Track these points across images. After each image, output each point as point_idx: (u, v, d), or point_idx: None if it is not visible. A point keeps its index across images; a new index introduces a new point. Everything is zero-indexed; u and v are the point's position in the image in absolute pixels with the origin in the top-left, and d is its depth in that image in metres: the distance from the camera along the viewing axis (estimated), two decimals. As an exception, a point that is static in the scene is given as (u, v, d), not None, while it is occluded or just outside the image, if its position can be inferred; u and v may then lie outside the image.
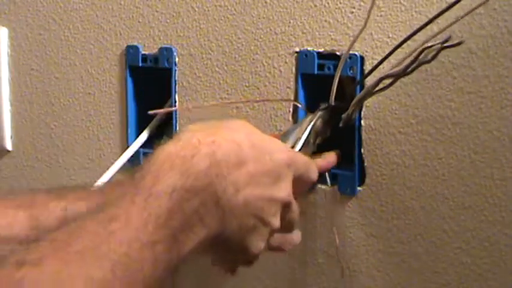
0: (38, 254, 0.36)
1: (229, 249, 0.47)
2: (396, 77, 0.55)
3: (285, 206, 0.50)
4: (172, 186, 0.42)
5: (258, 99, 0.69)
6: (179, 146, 0.45)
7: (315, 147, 0.62)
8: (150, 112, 0.62)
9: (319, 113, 0.61)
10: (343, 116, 0.60)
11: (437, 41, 0.50)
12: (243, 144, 0.46)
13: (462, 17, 0.51)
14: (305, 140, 0.59)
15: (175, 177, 0.42)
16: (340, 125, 0.61)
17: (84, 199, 0.54)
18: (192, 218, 0.42)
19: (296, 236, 0.57)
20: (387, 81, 0.56)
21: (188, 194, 0.42)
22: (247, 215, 0.46)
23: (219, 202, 0.44)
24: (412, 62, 0.53)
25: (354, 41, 0.58)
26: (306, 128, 0.59)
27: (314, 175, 0.54)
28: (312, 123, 0.60)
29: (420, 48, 0.51)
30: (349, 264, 0.66)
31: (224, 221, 0.44)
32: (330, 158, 0.62)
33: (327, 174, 0.64)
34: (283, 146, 0.53)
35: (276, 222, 0.49)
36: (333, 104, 0.60)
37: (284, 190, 0.49)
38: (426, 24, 0.52)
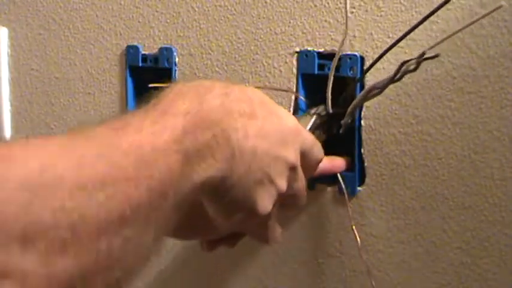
0: (40, 137, 0.35)
1: (235, 200, 0.46)
2: (383, 87, 0.56)
3: (292, 170, 0.49)
4: (187, 110, 0.41)
5: (260, 86, 0.68)
6: (192, 84, 0.45)
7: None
8: (151, 85, 0.63)
9: (314, 117, 0.61)
10: (342, 123, 0.60)
11: (414, 58, 0.52)
12: (254, 100, 0.47)
13: (468, 25, 0.52)
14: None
15: (189, 104, 0.42)
16: (341, 131, 0.61)
17: None
18: (204, 149, 0.41)
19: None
20: (376, 91, 0.57)
21: (202, 122, 0.42)
22: (254, 166, 0.45)
23: (229, 140, 0.43)
24: (395, 74, 0.53)
25: (342, 43, 0.58)
26: (310, 120, 0.60)
27: (321, 154, 0.54)
28: (311, 123, 0.60)
29: (399, 64, 0.53)
30: (349, 264, 0.66)
31: (233, 163, 0.44)
32: (336, 162, 0.62)
33: (340, 177, 0.64)
34: (292, 116, 0.52)
35: (282, 183, 0.48)
36: (330, 111, 0.61)
37: (291, 153, 0.49)
38: (422, 21, 0.52)
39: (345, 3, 0.55)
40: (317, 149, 0.53)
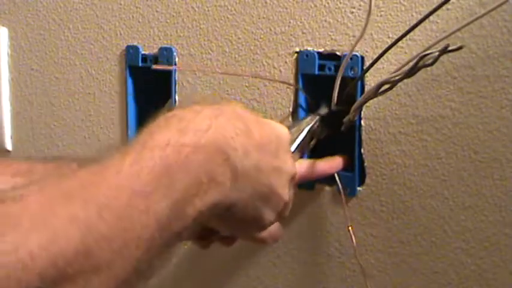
0: (21, 192, 0.33)
1: (243, 218, 0.46)
2: (396, 82, 0.55)
3: (292, 179, 0.49)
4: (166, 140, 0.39)
5: (260, 76, 0.68)
6: (179, 110, 0.43)
7: (309, 149, 0.62)
8: (154, 67, 0.64)
9: (317, 117, 0.61)
10: (345, 120, 0.60)
11: (435, 50, 0.50)
12: (245, 117, 0.46)
13: (468, 24, 0.51)
14: (301, 142, 0.58)
15: (170, 133, 0.39)
16: (342, 129, 0.61)
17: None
18: (200, 175, 0.39)
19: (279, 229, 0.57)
20: (387, 86, 0.56)
21: (187, 148, 0.39)
22: (259, 183, 0.45)
23: (229, 160, 0.41)
24: (412, 68, 0.52)
25: (356, 44, 0.58)
26: (303, 130, 0.59)
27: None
28: (309, 126, 0.60)
29: (418, 58, 0.51)
30: (348, 264, 0.66)
31: (238, 184, 0.42)
32: (333, 163, 0.63)
33: (337, 177, 0.64)
34: (282, 125, 0.52)
35: (285, 193, 0.48)
36: (334, 108, 0.60)
37: (290, 161, 0.49)
38: (421, 21, 0.52)
39: (370, 3, 0.54)
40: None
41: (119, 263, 0.34)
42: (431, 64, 0.51)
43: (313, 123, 0.60)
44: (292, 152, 0.56)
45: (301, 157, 0.61)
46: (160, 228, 0.36)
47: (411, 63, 0.52)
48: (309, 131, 0.60)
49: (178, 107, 0.45)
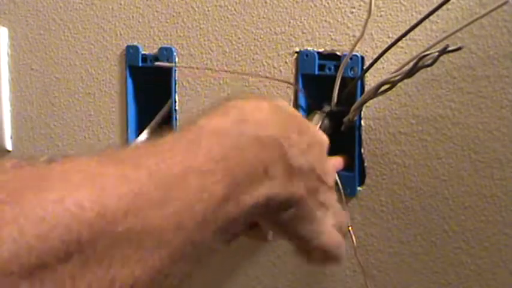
0: (70, 156, 0.32)
1: (296, 218, 0.45)
2: (395, 82, 0.55)
3: (332, 187, 0.50)
4: (225, 128, 0.38)
5: (259, 74, 0.68)
6: (237, 101, 0.42)
7: None
8: (156, 64, 0.65)
9: (324, 114, 0.61)
10: (345, 120, 0.60)
11: (435, 51, 0.50)
12: (297, 115, 0.47)
13: (468, 24, 0.51)
14: None
15: (229, 121, 0.39)
16: (342, 129, 0.61)
17: None
18: (257, 166, 0.38)
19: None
20: (387, 86, 0.57)
21: (245, 138, 0.38)
22: (312, 178, 0.45)
23: (286, 156, 0.41)
24: (411, 69, 0.52)
25: (356, 44, 0.58)
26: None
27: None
28: (319, 124, 0.60)
29: (417, 58, 0.51)
30: (349, 264, 0.66)
31: (292, 181, 0.42)
32: (335, 162, 0.63)
33: (337, 177, 0.64)
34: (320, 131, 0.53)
35: (333, 196, 0.49)
36: (334, 109, 0.60)
37: (331, 168, 0.49)
38: (421, 21, 0.52)
39: (370, 3, 0.54)
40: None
41: (172, 231, 0.32)
42: (431, 65, 0.51)
43: (321, 121, 0.61)
44: None
45: None
46: (214, 207, 0.34)
47: (411, 64, 0.52)
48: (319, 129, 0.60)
49: (236, 98, 0.43)
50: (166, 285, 0.33)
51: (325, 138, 0.49)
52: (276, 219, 0.45)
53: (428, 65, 0.51)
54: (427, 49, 0.52)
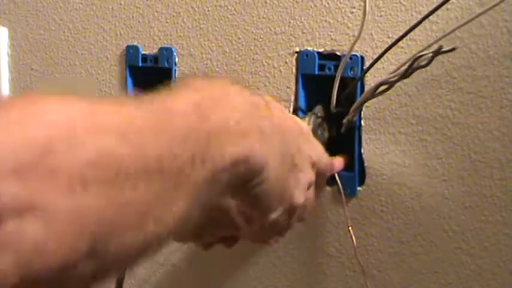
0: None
1: (272, 194, 0.43)
2: (392, 83, 0.55)
3: (313, 166, 0.48)
4: (198, 94, 0.38)
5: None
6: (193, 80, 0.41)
7: None
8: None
9: (313, 116, 0.61)
10: (344, 121, 0.60)
11: (429, 51, 0.50)
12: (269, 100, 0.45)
13: (466, 23, 0.51)
14: None
15: (199, 94, 0.38)
16: (342, 130, 0.61)
17: None
18: (230, 123, 0.37)
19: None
20: (385, 86, 0.57)
21: (220, 99, 0.38)
22: (287, 147, 0.43)
23: (258, 117, 0.40)
24: (407, 70, 0.52)
25: (354, 45, 0.58)
26: None
27: (328, 165, 0.54)
28: (311, 126, 0.60)
29: (412, 59, 0.51)
30: (349, 264, 0.66)
31: (266, 141, 0.40)
32: (334, 163, 0.62)
33: (337, 177, 0.64)
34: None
35: (310, 174, 0.47)
36: (334, 109, 0.60)
37: (313, 150, 0.48)
38: (421, 21, 0.52)
39: (364, 4, 0.54)
40: (325, 159, 0.53)
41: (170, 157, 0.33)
42: (426, 65, 0.51)
43: (312, 123, 0.60)
44: None
45: None
46: (199, 151, 0.34)
47: (406, 65, 0.52)
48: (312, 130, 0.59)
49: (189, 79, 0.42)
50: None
51: (304, 126, 0.49)
52: (251, 197, 0.43)
53: (423, 66, 0.51)
54: (422, 50, 0.52)
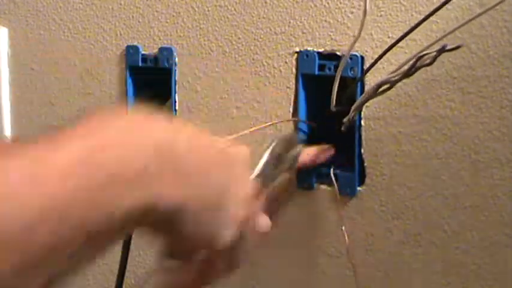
0: None
1: (195, 234, 0.39)
2: (394, 82, 0.55)
3: (247, 203, 0.43)
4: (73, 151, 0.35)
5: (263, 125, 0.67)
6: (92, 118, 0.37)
7: (277, 176, 0.54)
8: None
9: (277, 140, 0.55)
10: (344, 120, 0.60)
11: (433, 50, 0.50)
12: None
13: (466, 23, 0.51)
14: (262, 167, 0.52)
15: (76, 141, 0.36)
16: (342, 129, 0.61)
17: None
18: (133, 167, 0.34)
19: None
20: (386, 86, 0.56)
21: (118, 136, 0.35)
22: (209, 186, 0.39)
23: (173, 152, 0.36)
24: (410, 68, 0.52)
25: (353, 45, 0.58)
26: (263, 155, 0.53)
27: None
28: (270, 149, 0.54)
29: (416, 58, 0.51)
30: (349, 264, 0.66)
31: (180, 181, 0.36)
32: (318, 152, 0.62)
33: (332, 174, 0.64)
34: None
35: (242, 212, 0.42)
36: (333, 109, 0.60)
37: (246, 181, 0.44)
38: (422, 21, 0.52)
39: (365, 4, 0.54)
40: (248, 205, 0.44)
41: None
42: (430, 64, 0.50)
43: (273, 146, 0.54)
44: (256, 178, 0.50)
45: (267, 186, 0.52)
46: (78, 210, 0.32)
47: (409, 64, 0.52)
48: (271, 155, 0.53)
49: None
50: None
51: (242, 149, 0.43)
52: (167, 235, 0.40)
53: (427, 65, 0.51)
54: (425, 48, 0.52)
